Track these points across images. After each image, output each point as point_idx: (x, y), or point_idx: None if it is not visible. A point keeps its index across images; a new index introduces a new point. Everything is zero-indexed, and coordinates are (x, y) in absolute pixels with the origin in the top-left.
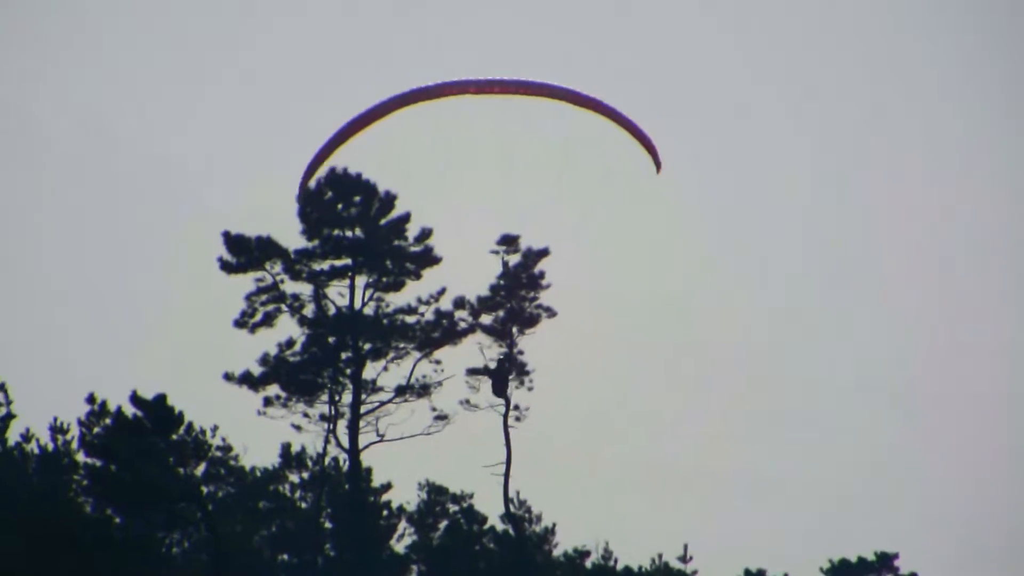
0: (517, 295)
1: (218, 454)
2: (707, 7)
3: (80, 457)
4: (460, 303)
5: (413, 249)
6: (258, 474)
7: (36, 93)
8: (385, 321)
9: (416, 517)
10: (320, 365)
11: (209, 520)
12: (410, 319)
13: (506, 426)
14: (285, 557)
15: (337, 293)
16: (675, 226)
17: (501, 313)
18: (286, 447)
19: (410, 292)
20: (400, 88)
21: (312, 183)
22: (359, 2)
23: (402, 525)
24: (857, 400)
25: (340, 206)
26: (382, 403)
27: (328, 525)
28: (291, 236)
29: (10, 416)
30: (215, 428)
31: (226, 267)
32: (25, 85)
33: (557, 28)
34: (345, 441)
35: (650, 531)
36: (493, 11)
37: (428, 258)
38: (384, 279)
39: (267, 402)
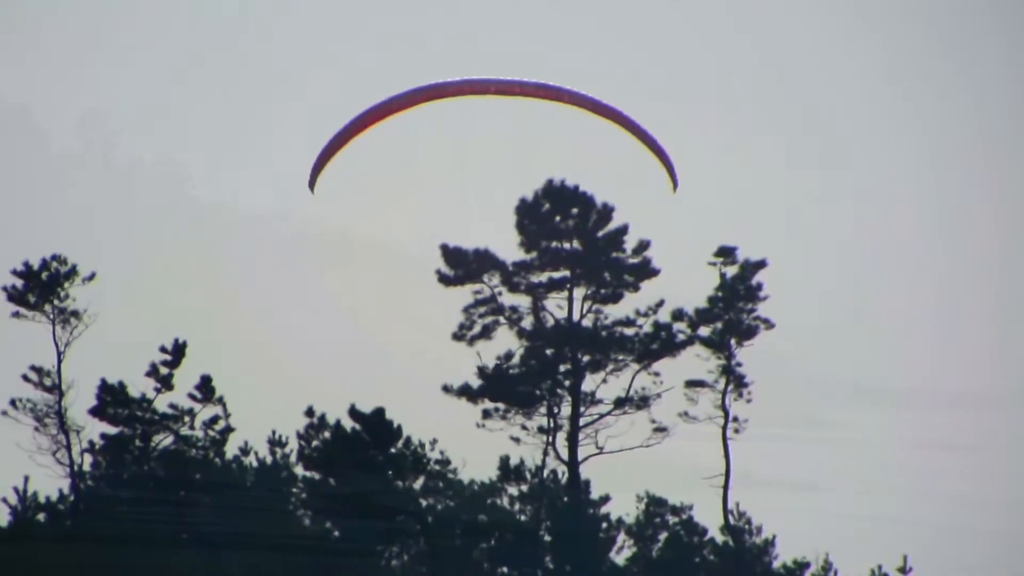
0: (735, 306)
1: (436, 467)
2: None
3: (298, 470)
4: (678, 315)
5: (631, 261)
6: (477, 487)
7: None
8: (603, 333)
9: (635, 529)
10: (538, 377)
11: (427, 533)
12: (628, 331)
13: (725, 437)
14: (504, 570)
15: (555, 305)
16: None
17: (719, 325)
18: (504, 460)
19: (628, 304)
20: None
21: (529, 195)
22: None
23: (621, 537)
24: None
25: (558, 218)
26: (601, 415)
27: (547, 538)
28: (509, 249)
29: (229, 429)
30: (433, 441)
31: (444, 280)
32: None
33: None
34: (564, 453)
35: (869, 542)
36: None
37: (646, 270)
38: (602, 291)
39: (486, 415)
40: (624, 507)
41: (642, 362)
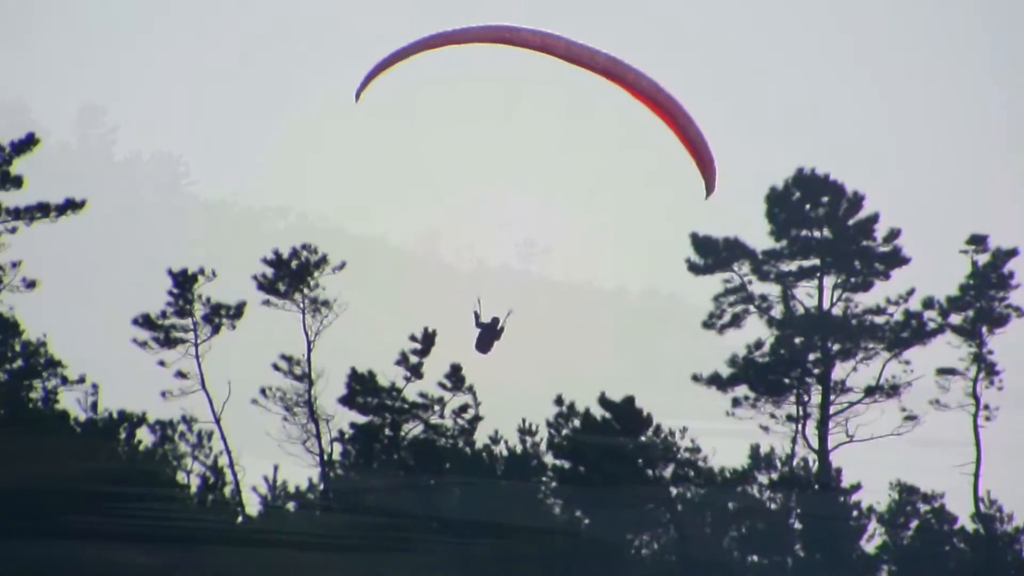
0: (986, 295)
1: (686, 455)
2: None
3: (548, 459)
4: (929, 303)
5: (881, 249)
6: (727, 475)
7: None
8: (854, 321)
9: (886, 517)
10: (788, 366)
11: (677, 521)
12: (879, 319)
13: (976, 425)
14: (754, 558)
15: (805, 294)
16: None
17: (970, 313)
18: (755, 448)
19: (878, 292)
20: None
21: (780, 184)
22: None
23: (872, 526)
24: None
25: (808, 207)
26: (851, 404)
27: (797, 526)
28: (758, 236)
29: (477, 418)
30: (683, 429)
31: (693, 268)
32: None
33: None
34: (814, 442)
35: None
36: None
37: (897, 258)
38: (852, 279)
39: (735, 403)
40: (875, 496)
41: (893, 350)
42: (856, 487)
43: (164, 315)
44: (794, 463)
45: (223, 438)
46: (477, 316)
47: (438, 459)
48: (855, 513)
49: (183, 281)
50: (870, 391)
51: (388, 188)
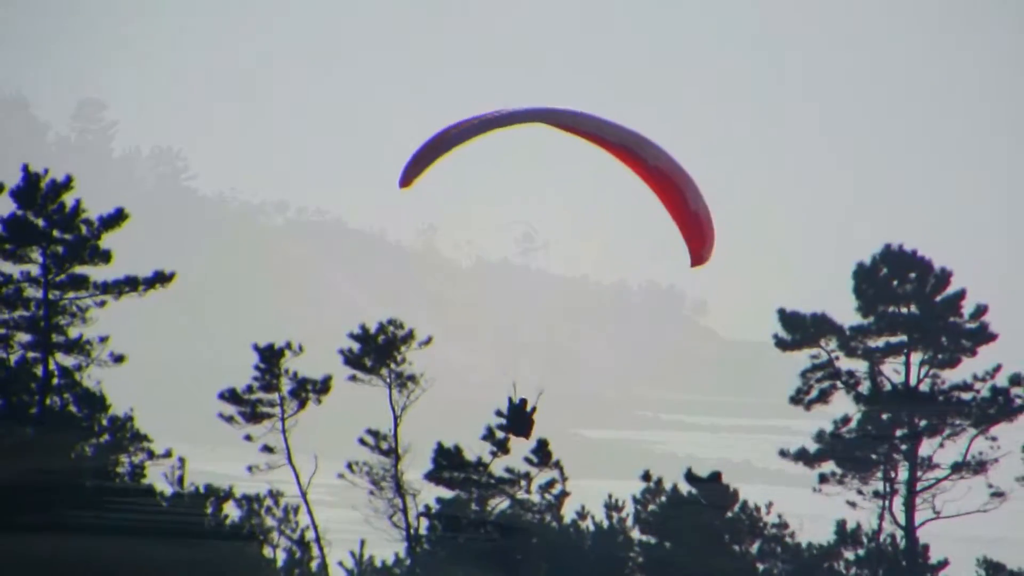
0: None
1: (773, 531)
2: None
3: (635, 534)
4: (1016, 379)
5: (968, 326)
6: (814, 551)
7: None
8: (940, 397)
9: None
10: (875, 442)
11: None
12: (965, 395)
13: None
14: None
15: (892, 369)
16: None
17: None
18: (841, 524)
19: (965, 368)
20: None
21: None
22: None
23: None
24: None
25: (895, 283)
26: (937, 480)
27: None
28: (845, 312)
29: (565, 493)
30: (769, 504)
31: (780, 344)
32: None
33: None
34: (901, 518)
35: None
36: None
37: (984, 334)
38: (939, 356)
39: (822, 479)
40: (962, 573)
41: (979, 426)
42: (943, 563)
43: (250, 389)
44: (881, 539)
45: (309, 512)
46: (511, 401)
47: (525, 534)
48: None
49: (269, 356)
50: (957, 467)
51: (387, 183)
